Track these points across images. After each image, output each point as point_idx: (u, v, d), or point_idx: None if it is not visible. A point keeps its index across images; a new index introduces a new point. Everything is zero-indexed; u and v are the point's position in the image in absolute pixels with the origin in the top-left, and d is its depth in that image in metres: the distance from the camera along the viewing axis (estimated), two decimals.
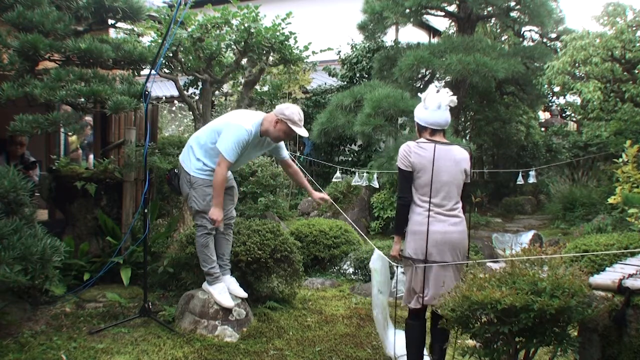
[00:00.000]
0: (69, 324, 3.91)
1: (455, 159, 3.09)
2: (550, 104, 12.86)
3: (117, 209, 4.95)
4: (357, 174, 7.06)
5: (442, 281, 2.96)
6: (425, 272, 3.03)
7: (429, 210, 3.01)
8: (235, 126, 3.70)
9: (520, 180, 8.13)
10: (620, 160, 6.07)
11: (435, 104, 3.06)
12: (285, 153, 4.06)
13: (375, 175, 7.05)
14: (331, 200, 4.16)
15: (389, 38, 10.37)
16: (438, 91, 3.09)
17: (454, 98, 3.10)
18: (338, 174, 7.37)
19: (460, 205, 3.11)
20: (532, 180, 8.08)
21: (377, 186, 7.26)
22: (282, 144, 4.02)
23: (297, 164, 4.13)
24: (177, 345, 3.64)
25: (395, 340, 3.55)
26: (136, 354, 3.50)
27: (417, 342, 3.17)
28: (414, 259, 3.05)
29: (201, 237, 3.86)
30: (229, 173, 4.00)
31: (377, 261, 3.41)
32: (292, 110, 3.69)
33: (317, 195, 4.02)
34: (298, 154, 10.99)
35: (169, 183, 4.04)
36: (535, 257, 2.60)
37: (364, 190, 8.63)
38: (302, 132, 3.71)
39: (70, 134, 6.77)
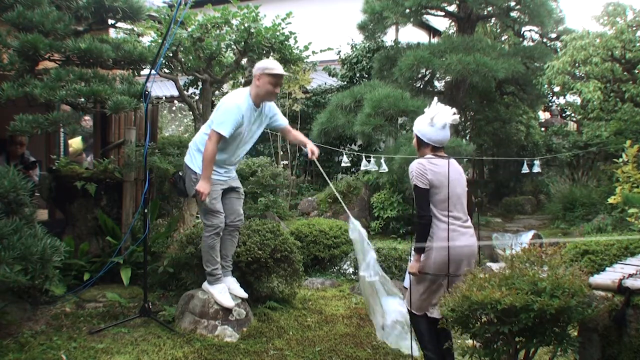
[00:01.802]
0: (69, 324, 3.91)
1: (458, 170, 3.16)
2: (550, 104, 12.85)
3: (117, 209, 4.95)
4: (364, 158, 7.00)
5: None
6: (450, 285, 3.00)
7: (452, 224, 3.02)
8: (224, 104, 3.74)
9: (525, 169, 8.09)
10: (620, 160, 6.07)
11: (441, 122, 3.09)
12: (284, 121, 4.08)
13: (382, 160, 7.02)
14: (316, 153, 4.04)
15: (389, 38, 10.37)
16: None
17: (457, 117, 3.14)
18: (345, 158, 7.33)
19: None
20: (537, 169, 8.02)
21: (387, 170, 7.19)
22: (278, 114, 4.04)
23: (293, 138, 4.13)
24: (177, 345, 3.64)
25: (386, 308, 3.36)
26: (136, 354, 3.50)
27: (429, 331, 3.13)
28: (437, 275, 3.03)
29: (209, 238, 3.85)
30: (233, 172, 3.99)
31: (355, 232, 3.32)
32: (263, 62, 3.79)
33: (310, 146, 3.96)
34: (298, 154, 10.99)
35: (175, 186, 3.99)
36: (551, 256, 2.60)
37: (363, 190, 8.63)
38: (282, 71, 3.75)
39: (68, 134, 6.79)
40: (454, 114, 3.12)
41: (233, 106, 3.68)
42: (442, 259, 3.02)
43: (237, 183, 4.07)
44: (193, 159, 3.87)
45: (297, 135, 4.18)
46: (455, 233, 3.03)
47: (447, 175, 3.03)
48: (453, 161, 3.17)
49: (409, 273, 3.14)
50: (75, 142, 7.44)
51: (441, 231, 3.02)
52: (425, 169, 3.05)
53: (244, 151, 3.96)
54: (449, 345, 2.91)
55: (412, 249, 3.11)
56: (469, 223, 3.12)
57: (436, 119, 3.10)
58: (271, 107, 3.97)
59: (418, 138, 3.19)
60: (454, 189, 3.06)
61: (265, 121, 3.98)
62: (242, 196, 4.13)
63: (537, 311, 2.27)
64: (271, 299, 4.41)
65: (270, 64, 3.75)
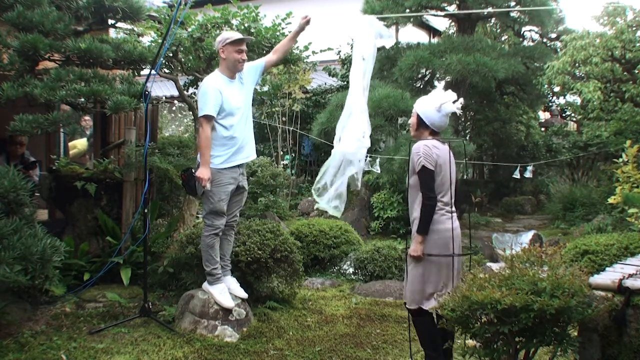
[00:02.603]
0: (69, 324, 3.91)
1: (452, 158, 3.20)
2: (550, 104, 12.86)
3: (117, 209, 4.95)
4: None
5: (461, 274, 3.06)
6: (449, 269, 3.08)
7: (442, 208, 3.09)
8: (199, 91, 3.87)
9: (516, 174, 8.10)
10: (620, 160, 6.07)
11: (448, 110, 3.12)
12: (262, 60, 4.14)
13: (377, 161, 7.07)
14: (309, 17, 4.04)
15: None
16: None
17: (460, 105, 3.18)
18: None
19: None
20: (528, 175, 8.01)
21: (379, 171, 7.25)
22: (253, 64, 4.07)
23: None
24: (177, 345, 3.64)
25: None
26: (136, 354, 3.50)
27: (436, 332, 3.11)
28: (441, 255, 3.06)
29: (208, 237, 3.86)
30: (240, 171, 3.97)
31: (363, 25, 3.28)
32: (220, 36, 3.88)
33: (301, 22, 3.99)
34: (294, 155, 10.98)
35: (186, 184, 3.91)
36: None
37: (363, 190, 8.63)
38: (241, 35, 3.85)
39: (69, 134, 6.80)
40: (461, 103, 3.14)
41: (206, 87, 3.77)
42: (442, 241, 3.07)
43: (244, 182, 4.05)
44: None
45: (284, 41, 4.22)
46: (444, 217, 3.10)
47: (449, 159, 3.08)
48: (448, 147, 3.21)
49: (411, 257, 3.12)
50: (81, 143, 7.45)
51: (435, 215, 3.08)
52: (431, 151, 3.06)
53: (246, 124, 3.94)
54: (449, 345, 2.91)
55: (415, 231, 3.12)
56: (453, 208, 3.21)
57: (444, 106, 3.11)
58: (247, 68, 3.99)
59: (419, 119, 3.18)
60: (452, 174, 3.13)
61: (250, 84, 4.02)
62: (244, 198, 4.12)
63: (537, 311, 2.27)
64: (271, 299, 4.41)
65: (228, 34, 3.84)
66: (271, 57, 4.17)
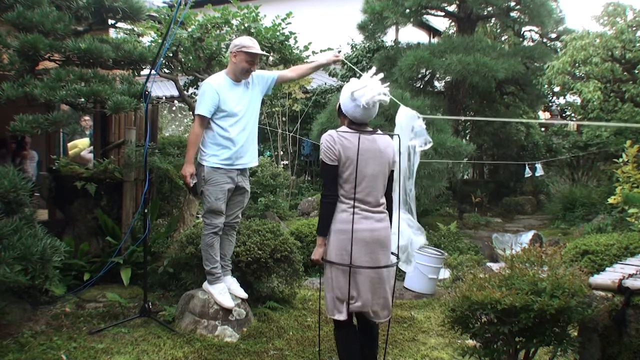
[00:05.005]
0: (69, 324, 3.91)
1: (379, 148, 2.83)
2: (550, 104, 12.87)
3: (117, 209, 4.95)
4: None
5: (376, 284, 2.78)
6: (353, 276, 2.75)
7: (354, 207, 2.74)
8: (200, 89, 3.86)
9: (528, 173, 8.07)
10: (620, 160, 6.07)
11: (365, 101, 2.74)
12: (274, 73, 4.07)
13: None
14: (342, 57, 3.99)
15: (389, 38, 10.38)
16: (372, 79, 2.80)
17: (387, 98, 2.81)
18: None
19: (384, 199, 2.89)
20: (539, 172, 7.95)
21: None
22: (266, 73, 4.03)
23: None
24: (177, 345, 3.64)
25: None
26: (136, 354, 3.50)
27: (354, 350, 2.90)
28: (338, 263, 2.77)
29: (207, 237, 3.86)
30: (241, 175, 3.96)
31: (401, 115, 3.17)
32: (240, 39, 3.80)
33: (330, 57, 3.95)
34: (297, 154, 10.98)
35: (189, 186, 3.93)
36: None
37: None
38: (258, 50, 3.76)
39: (68, 134, 6.80)
40: (384, 94, 2.78)
41: (205, 87, 3.77)
42: (339, 243, 2.76)
43: (245, 183, 4.02)
44: (199, 153, 3.87)
45: (306, 66, 4.16)
46: (357, 216, 2.74)
47: (357, 151, 2.72)
48: (376, 137, 2.84)
49: (311, 260, 2.84)
50: (82, 143, 7.46)
51: (339, 213, 2.77)
52: (334, 143, 2.75)
53: (246, 129, 3.89)
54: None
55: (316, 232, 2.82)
56: (381, 208, 2.85)
57: (358, 94, 2.74)
58: (257, 76, 3.96)
59: (339, 106, 2.89)
60: (363, 168, 2.75)
61: (258, 92, 3.98)
62: (245, 198, 4.10)
63: (537, 311, 2.28)
64: (271, 299, 4.41)
65: (247, 42, 3.76)
66: (286, 73, 4.12)
